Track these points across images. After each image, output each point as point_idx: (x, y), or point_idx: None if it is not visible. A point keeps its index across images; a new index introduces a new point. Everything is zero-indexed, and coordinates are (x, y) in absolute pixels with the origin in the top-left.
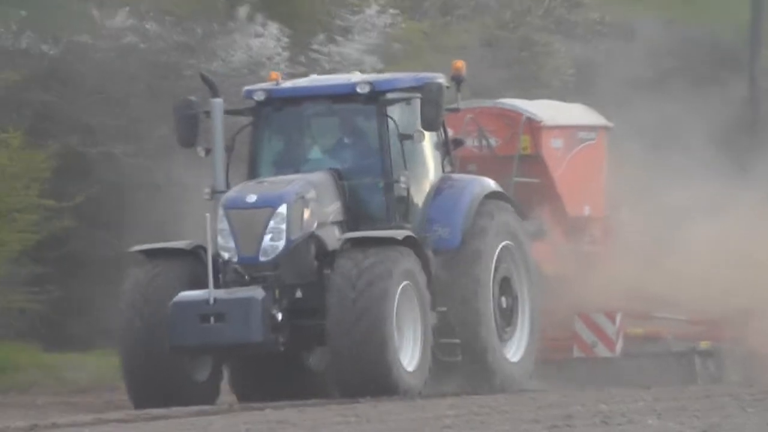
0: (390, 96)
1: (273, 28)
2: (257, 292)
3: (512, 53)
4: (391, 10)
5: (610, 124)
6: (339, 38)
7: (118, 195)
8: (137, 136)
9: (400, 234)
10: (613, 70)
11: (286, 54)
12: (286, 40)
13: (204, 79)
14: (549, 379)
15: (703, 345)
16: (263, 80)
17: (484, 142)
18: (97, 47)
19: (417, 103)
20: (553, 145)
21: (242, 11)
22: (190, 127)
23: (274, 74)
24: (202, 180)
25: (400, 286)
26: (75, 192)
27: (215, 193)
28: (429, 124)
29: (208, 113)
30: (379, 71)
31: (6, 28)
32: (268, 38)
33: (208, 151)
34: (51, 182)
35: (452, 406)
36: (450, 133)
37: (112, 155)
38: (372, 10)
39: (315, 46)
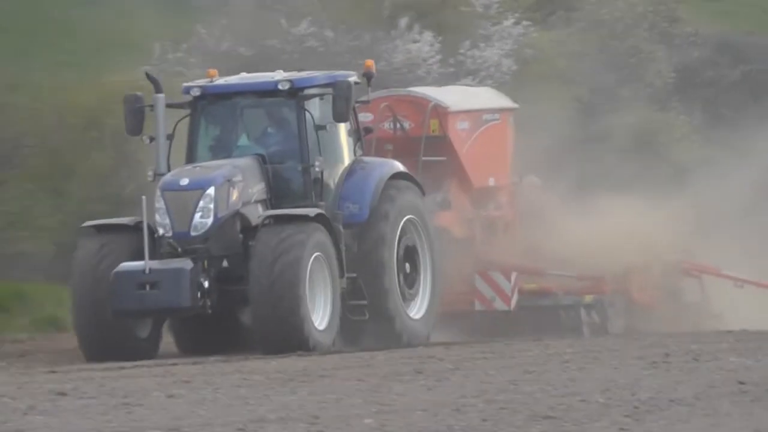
0: (307, 92)
1: (427, 35)
2: (186, 263)
3: (622, 59)
4: (525, 22)
5: (514, 106)
6: (481, 44)
7: None
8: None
9: (312, 212)
10: (703, 74)
11: (438, 57)
12: (437, 45)
13: (148, 77)
14: (453, 329)
15: (588, 299)
16: (420, 78)
17: (398, 126)
18: (284, 50)
19: (330, 97)
20: (459, 127)
21: (403, 22)
22: (136, 119)
23: (211, 72)
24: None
25: (312, 256)
26: None
27: (157, 175)
28: (339, 116)
29: (152, 107)
30: (513, 73)
31: (210, 33)
32: (423, 44)
33: (152, 139)
34: None
35: (570, 345)
36: (369, 119)
37: None
38: (509, 22)
39: (461, 51)
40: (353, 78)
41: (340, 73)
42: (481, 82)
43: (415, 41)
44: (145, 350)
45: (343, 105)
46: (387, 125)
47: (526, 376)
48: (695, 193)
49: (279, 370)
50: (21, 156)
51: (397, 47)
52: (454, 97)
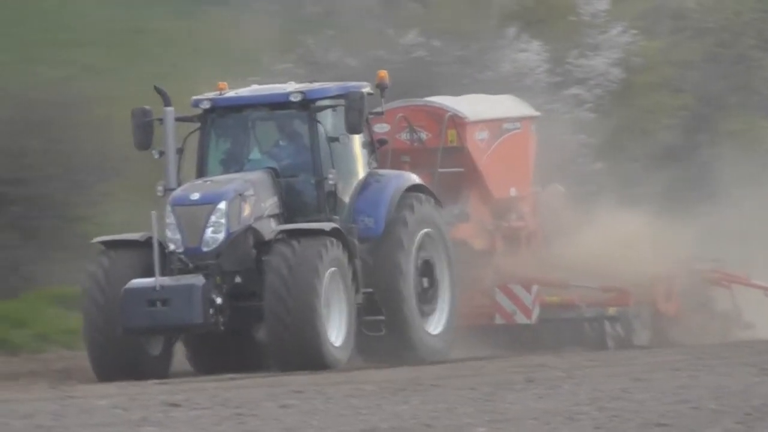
0: (319, 103)
1: (535, 44)
2: (198, 279)
3: (729, 67)
4: (632, 31)
5: (536, 114)
6: (589, 53)
7: None
8: None
9: (327, 226)
10: None
11: (545, 66)
12: (545, 54)
13: (157, 90)
14: (474, 343)
15: (611, 311)
16: (528, 87)
17: (415, 136)
18: (392, 60)
19: (343, 109)
20: (477, 137)
21: (510, 31)
22: (145, 133)
23: (221, 84)
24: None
25: (328, 272)
26: None
27: (167, 190)
28: (352, 128)
29: (161, 120)
30: (621, 81)
31: (318, 43)
32: (531, 53)
33: (161, 154)
34: None
35: (680, 353)
36: (385, 130)
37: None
38: (616, 30)
39: (569, 60)
40: (366, 89)
41: (352, 84)
42: (589, 91)
43: (522, 50)
44: (156, 368)
45: (356, 116)
46: (404, 136)
47: (637, 384)
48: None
49: (390, 379)
50: (127, 168)
51: (504, 56)
52: (473, 106)
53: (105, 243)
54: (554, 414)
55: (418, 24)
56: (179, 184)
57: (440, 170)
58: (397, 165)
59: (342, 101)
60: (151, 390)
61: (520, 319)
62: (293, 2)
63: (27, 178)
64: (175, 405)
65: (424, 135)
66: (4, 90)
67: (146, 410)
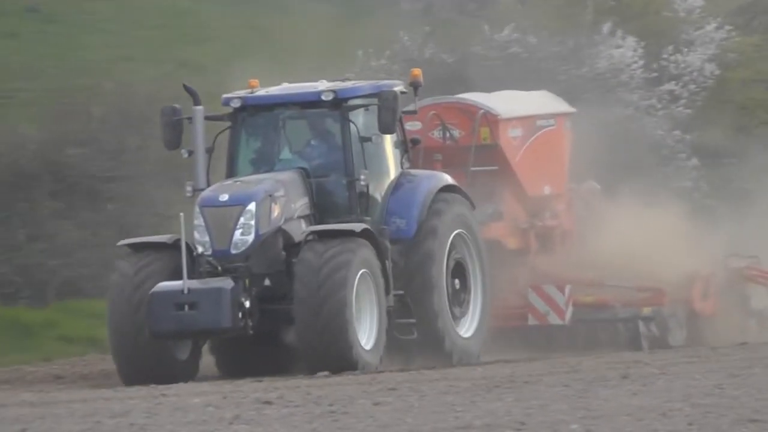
0: (351, 102)
1: (630, 40)
2: (226, 283)
3: None
4: (727, 27)
5: (571, 110)
6: (684, 49)
7: None
8: None
9: (358, 227)
10: None
11: (641, 62)
12: (641, 50)
13: (186, 89)
14: (507, 345)
15: (646, 311)
16: (624, 83)
17: (447, 134)
18: (487, 56)
19: (375, 108)
20: (510, 134)
21: (606, 27)
22: (174, 132)
23: (252, 82)
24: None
25: (359, 274)
26: None
27: (196, 191)
28: (385, 128)
29: (190, 119)
30: (716, 77)
31: (413, 40)
32: (626, 49)
33: (190, 153)
34: None
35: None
36: (417, 128)
37: None
38: (711, 27)
39: (664, 56)
40: (399, 87)
41: (385, 82)
42: (684, 87)
43: (618, 46)
44: (184, 372)
45: (389, 116)
46: (436, 134)
47: (732, 380)
48: None
49: (485, 376)
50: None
51: (600, 52)
52: (506, 103)
53: (132, 246)
54: (648, 410)
55: (513, 20)
56: (209, 185)
57: (473, 168)
58: (430, 163)
59: (375, 100)
60: (244, 388)
61: (553, 319)
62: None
63: (124, 175)
64: (268, 403)
65: (456, 133)
66: (102, 86)
67: (239, 408)
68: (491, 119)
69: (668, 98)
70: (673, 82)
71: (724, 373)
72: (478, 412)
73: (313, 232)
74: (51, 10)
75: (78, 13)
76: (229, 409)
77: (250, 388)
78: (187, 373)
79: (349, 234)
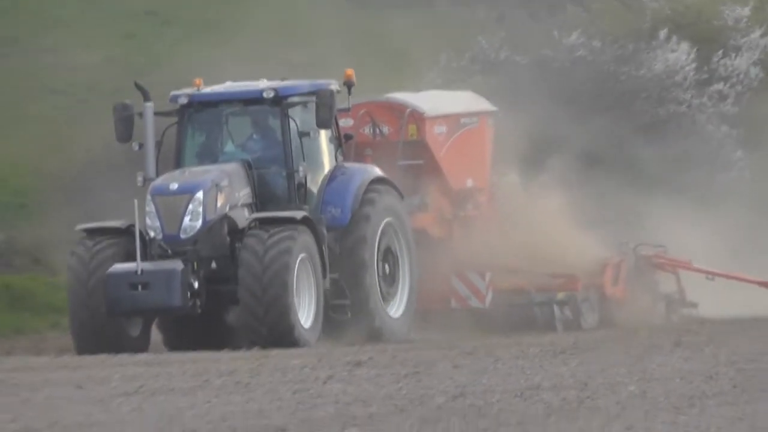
0: (290, 100)
1: (684, 46)
2: (177, 264)
3: None
4: None
5: (493, 109)
6: (732, 54)
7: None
8: (584, 121)
9: (299, 214)
10: None
11: (693, 65)
12: (693, 55)
13: (137, 86)
14: (431, 326)
15: (561, 295)
16: (677, 84)
17: (377, 131)
18: (556, 59)
19: (313, 105)
20: (436, 131)
21: (662, 33)
22: (126, 126)
23: (197, 81)
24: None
25: (299, 258)
26: None
27: (146, 180)
28: (322, 123)
29: (141, 114)
30: (760, 80)
31: (490, 43)
32: (680, 53)
33: (141, 146)
34: None
35: None
36: (350, 124)
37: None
38: (756, 34)
39: (714, 60)
40: (334, 86)
41: (322, 81)
42: (731, 87)
43: (672, 51)
44: (136, 349)
45: (326, 112)
46: (367, 130)
47: None
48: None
49: (553, 343)
50: None
51: (656, 56)
52: (432, 102)
53: (87, 230)
54: (696, 374)
55: (580, 26)
56: (157, 175)
57: (401, 163)
58: (361, 158)
59: (312, 98)
60: (337, 351)
61: (474, 303)
62: (468, 7)
63: None
64: (358, 364)
65: (386, 129)
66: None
67: (333, 369)
68: (418, 117)
69: (717, 97)
70: (722, 83)
71: (767, 342)
72: (545, 375)
73: (256, 219)
74: (168, 14)
75: (193, 16)
76: (323, 370)
77: (342, 352)
78: (139, 349)
79: (290, 221)
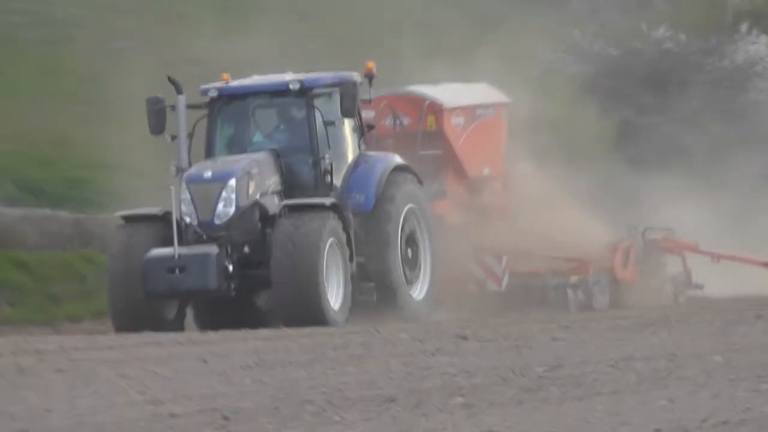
0: (316, 91)
1: (764, 38)
2: (212, 249)
3: None
4: None
5: (507, 100)
6: None
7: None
8: (671, 109)
9: (327, 201)
10: None
11: None
12: None
13: (170, 80)
14: (450, 308)
15: (573, 279)
16: (758, 74)
17: (397, 122)
18: (645, 51)
19: (337, 96)
20: (453, 122)
21: (743, 27)
22: (159, 119)
23: (225, 76)
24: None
25: (327, 242)
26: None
27: (179, 170)
28: (346, 112)
29: (173, 107)
30: None
31: (584, 36)
32: (760, 45)
33: (173, 138)
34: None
35: None
36: (371, 116)
37: (654, 123)
38: None
39: None
40: (357, 77)
41: (345, 73)
42: None
43: (753, 43)
44: (172, 330)
45: (349, 102)
46: (387, 122)
47: None
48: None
49: (643, 316)
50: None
51: (738, 48)
52: (449, 94)
53: (126, 217)
54: None
55: (667, 20)
56: (190, 165)
57: (420, 152)
58: (382, 148)
59: (336, 89)
60: (444, 326)
61: (491, 286)
62: (563, 1)
63: None
64: (464, 338)
65: (406, 120)
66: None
67: (440, 342)
68: (436, 108)
69: None
70: None
71: None
72: (637, 346)
73: (286, 206)
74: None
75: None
76: (431, 343)
77: (449, 326)
78: (175, 330)
79: (320, 207)
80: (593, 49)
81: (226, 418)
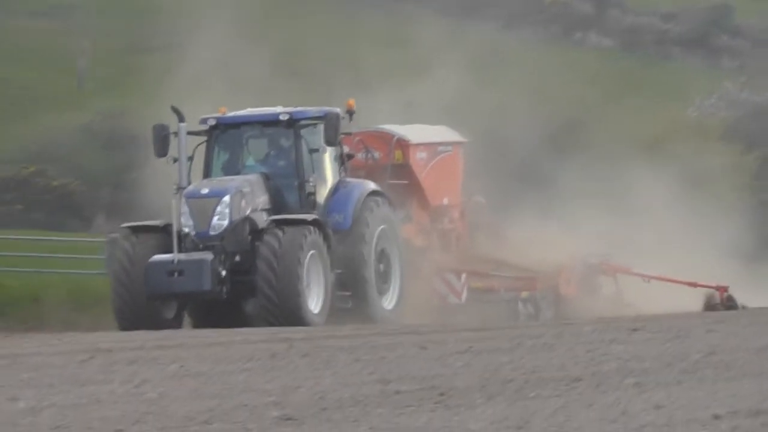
0: (302, 122)
1: None
2: (207, 255)
3: None
4: None
5: (464, 140)
6: None
7: None
8: None
9: (309, 217)
10: None
11: None
12: None
13: (173, 109)
14: (415, 319)
15: (524, 294)
16: None
17: (369, 155)
18: None
19: (321, 127)
20: (418, 156)
21: None
22: (163, 144)
23: (221, 109)
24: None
25: (309, 254)
26: None
27: (179, 188)
28: (329, 141)
29: (176, 134)
30: None
31: (734, 85)
32: None
33: (175, 160)
34: None
35: None
36: (346, 151)
37: None
38: None
39: None
40: (339, 111)
41: (328, 108)
42: None
43: None
44: (171, 329)
45: (332, 132)
46: (360, 156)
47: None
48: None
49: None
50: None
51: None
52: (415, 132)
53: (131, 227)
54: None
55: None
56: (189, 184)
57: (389, 182)
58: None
59: (320, 121)
60: (621, 319)
61: (452, 300)
62: (714, 58)
63: None
64: (635, 330)
65: (377, 154)
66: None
67: (616, 333)
68: (403, 144)
69: None
70: None
71: None
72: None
73: (273, 220)
74: None
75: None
76: (608, 333)
77: (624, 318)
78: (174, 329)
79: (302, 222)
80: (741, 96)
81: (442, 394)
